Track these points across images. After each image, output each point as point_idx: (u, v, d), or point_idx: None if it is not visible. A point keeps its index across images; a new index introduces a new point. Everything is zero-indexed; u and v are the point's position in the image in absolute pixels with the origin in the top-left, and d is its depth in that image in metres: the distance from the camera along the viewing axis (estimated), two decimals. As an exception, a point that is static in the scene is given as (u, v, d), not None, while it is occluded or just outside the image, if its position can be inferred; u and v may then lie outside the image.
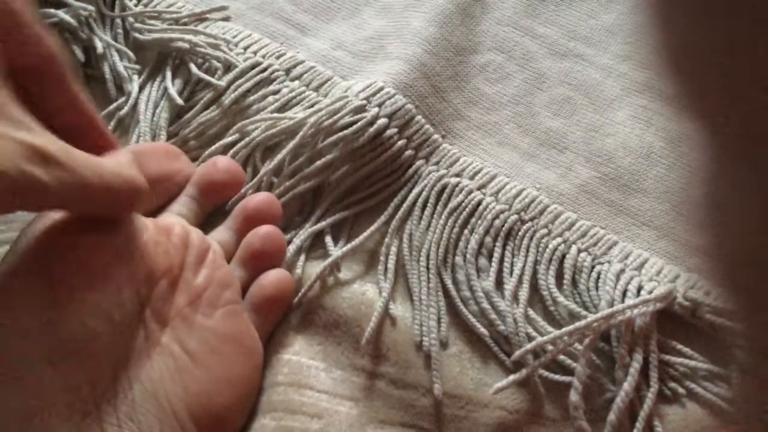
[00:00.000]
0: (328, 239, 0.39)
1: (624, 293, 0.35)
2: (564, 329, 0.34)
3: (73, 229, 0.31)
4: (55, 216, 0.31)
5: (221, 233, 0.38)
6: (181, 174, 0.39)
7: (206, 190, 0.38)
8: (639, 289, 0.35)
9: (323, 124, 0.41)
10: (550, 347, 0.34)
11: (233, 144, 0.42)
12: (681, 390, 0.33)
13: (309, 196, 0.41)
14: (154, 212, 0.38)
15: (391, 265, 0.38)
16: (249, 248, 0.37)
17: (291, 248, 0.39)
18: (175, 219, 0.37)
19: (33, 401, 0.28)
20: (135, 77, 0.45)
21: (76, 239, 0.31)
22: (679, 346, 0.34)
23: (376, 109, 0.41)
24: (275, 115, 0.42)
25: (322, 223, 0.40)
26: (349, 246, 0.39)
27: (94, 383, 0.30)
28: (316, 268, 0.38)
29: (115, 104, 0.44)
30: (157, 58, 0.46)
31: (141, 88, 0.45)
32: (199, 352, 0.33)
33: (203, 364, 0.33)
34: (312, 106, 0.43)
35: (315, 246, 0.40)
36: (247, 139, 0.42)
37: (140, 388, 0.31)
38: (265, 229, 0.37)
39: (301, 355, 0.36)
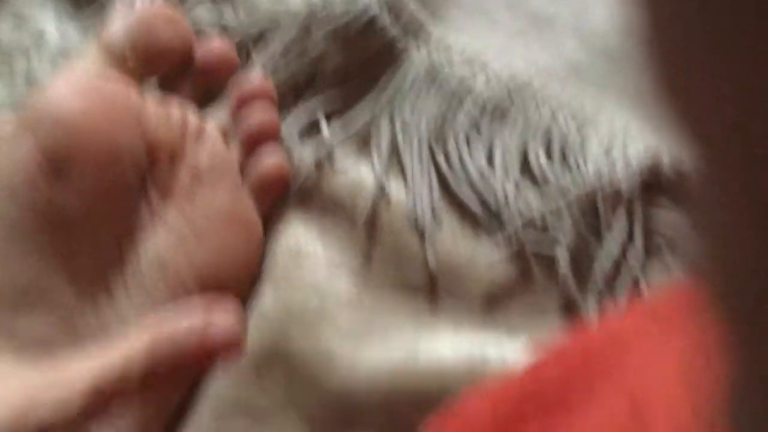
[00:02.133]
0: (322, 124, 0.40)
1: (611, 160, 0.36)
2: (551, 198, 0.35)
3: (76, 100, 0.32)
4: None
5: (217, 114, 0.39)
6: (184, 45, 0.39)
7: (200, 71, 0.39)
8: (625, 155, 0.36)
9: (317, 12, 0.41)
10: (539, 215, 0.35)
11: (226, 30, 0.42)
12: (664, 243, 0.34)
13: (303, 83, 0.41)
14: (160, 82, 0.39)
15: (384, 145, 0.39)
16: (244, 128, 0.38)
17: (285, 132, 0.40)
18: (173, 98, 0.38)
19: (38, 266, 0.30)
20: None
21: (78, 110, 0.32)
22: (664, 209, 0.35)
23: (368, -4, 0.41)
24: (269, 1, 0.43)
25: (316, 108, 0.40)
26: (342, 129, 0.40)
27: (95, 252, 0.31)
28: (310, 151, 0.39)
29: None
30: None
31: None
32: (203, 225, 0.34)
33: (207, 236, 0.34)
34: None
35: (309, 131, 0.41)
36: (241, 26, 0.42)
37: (147, 259, 0.33)
38: (259, 110, 0.38)
39: (299, 236, 0.38)
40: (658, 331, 0.26)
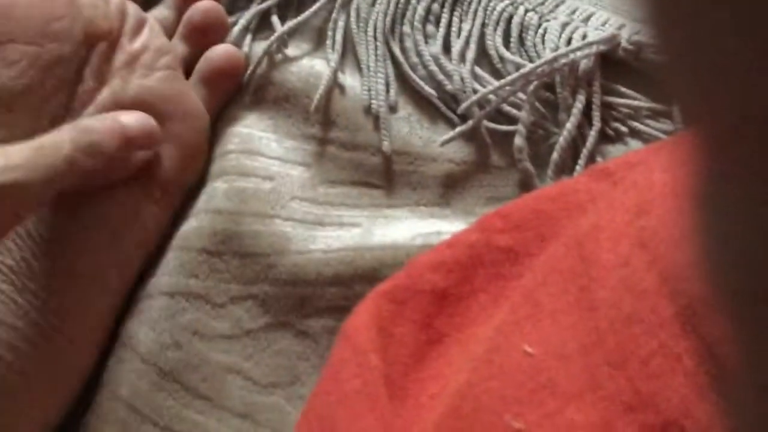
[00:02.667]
0: (275, 18, 0.39)
1: (569, 41, 0.35)
2: (508, 78, 0.34)
3: None
4: None
5: (160, 11, 0.38)
6: None
7: None
8: (584, 37, 0.35)
9: None
10: (494, 98, 0.34)
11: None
12: (623, 128, 0.34)
13: (254, -21, 0.40)
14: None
15: (338, 37, 0.38)
16: (190, 23, 0.37)
17: (236, 28, 0.38)
18: None
19: None
20: None
21: None
22: (623, 89, 0.34)
23: None
24: None
25: (268, 3, 0.39)
26: (295, 21, 0.38)
27: (32, 131, 0.30)
28: (263, 46, 0.38)
29: None
30: None
31: None
32: (132, 106, 0.33)
33: None
34: None
35: (262, 27, 0.39)
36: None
37: None
38: (206, 3, 0.37)
39: (252, 128, 0.37)
40: (609, 189, 0.25)
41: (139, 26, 0.35)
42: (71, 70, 0.33)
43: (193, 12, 0.37)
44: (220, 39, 0.37)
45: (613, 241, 0.21)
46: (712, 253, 0.11)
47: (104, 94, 0.33)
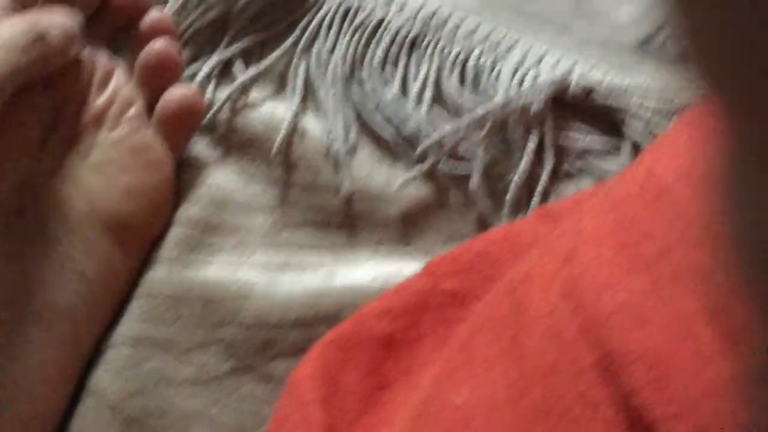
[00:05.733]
0: (237, 65, 0.40)
1: (521, 83, 0.36)
2: (462, 119, 0.35)
3: None
4: None
5: (125, 56, 0.38)
6: None
7: (111, 16, 0.38)
8: (536, 78, 0.36)
9: (225, -47, 0.41)
10: (450, 140, 0.35)
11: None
12: (575, 167, 0.35)
13: (217, 25, 0.41)
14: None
15: (299, 82, 0.39)
16: (145, 64, 0.37)
17: (200, 75, 0.39)
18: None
19: None
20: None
21: None
22: (575, 127, 0.35)
23: (277, -66, 0.41)
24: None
25: (230, 50, 0.40)
26: (257, 68, 0.39)
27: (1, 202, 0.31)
28: (226, 92, 0.39)
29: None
30: None
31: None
32: (101, 164, 0.34)
33: (105, 175, 0.34)
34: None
35: (225, 74, 0.40)
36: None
37: (45, 204, 0.32)
38: (159, 43, 0.37)
39: (217, 175, 0.37)
40: (551, 231, 0.26)
41: (107, 78, 0.36)
42: (35, 140, 0.33)
43: (147, 53, 0.37)
44: (176, 80, 0.38)
45: (543, 289, 0.22)
46: (739, 236, 0.12)
47: (71, 155, 0.34)
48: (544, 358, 0.18)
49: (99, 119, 0.35)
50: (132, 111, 0.36)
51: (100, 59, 0.36)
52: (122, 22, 0.39)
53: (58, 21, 0.33)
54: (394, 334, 0.25)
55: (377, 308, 0.26)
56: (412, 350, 0.24)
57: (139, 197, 0.34)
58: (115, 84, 0.36)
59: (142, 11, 0.39)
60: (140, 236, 0.34)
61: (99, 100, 0.35)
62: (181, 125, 0.37)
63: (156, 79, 0.37)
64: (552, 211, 0.27)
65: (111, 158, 0.34)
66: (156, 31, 0.38)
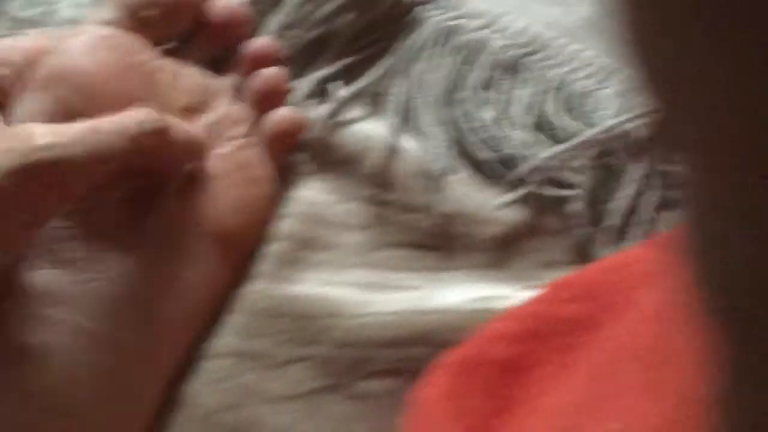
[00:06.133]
0: (335, 84, 0.40)
1: (626, 110, 0.36)
2: (565, 144, 0.35)
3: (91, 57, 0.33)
4: None
5: (232, 77, 0.39)
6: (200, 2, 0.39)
7: (212, 31, 0.39)
8: (638, 106, 0.36)
9: (327, -27, 0.41)
10: (551, 163, 0.35)
11: None
12: (679, 195, 0.34)
13: (315, 45, 0.42)
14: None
15: (397, 102, 0.39)
16: (255, 88, 0.38)
17: (299, 93, 0.40)
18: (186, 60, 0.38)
19: (52, 221, 0.31)
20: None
21: (94, 67, 0.32)
22: (679, 156, 0.34)
23: (379, -44, 0.41)
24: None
25: (329, 69, 0.41)
26: (355, 87, 0.40)
27: (112, 212, 0.32)
28: (325, 110, 0.39)
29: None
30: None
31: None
32: (214, 181, 0.35)
33: (215, 189, 0.35)
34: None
35: (323, 92, 0.41)
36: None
37: (157, 212, 0.34)
38: (269, 70, 0.39)
39: (314, 191, 0.38)
40: (673, 261, 0.25)
41: (213, 96, 0.37)
42: None
43: (257, 78, 0.39)
44: (282, 103, 0.39)
45: (684, 321, 0.21)
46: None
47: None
48: (697, 389, 0.17)
49: (209, 134, 0.36)
50: (239, 129, 0.37)
51: (203, 76, 0.37)
52: (222, 39, 0.40)
53: (182, 128, 0.33)
54: (514, 359, 0.24)
55: (498, 332, 0.26)
56: (531, 375, 0.24)
57: (245, 212, 0.35)
58: (222, 102, 0.37)
59: (242, 29, 0.41)
60: (243, 250, 0.35)
61: (209, 118, 0.36)
62: (284, 144, 0.38)
63: (263, 102, 0.38)
64: (668, 240, 0.26)
65: (220, 174, 0.35)
66: (262, 56, 0.39)
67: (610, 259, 0.29)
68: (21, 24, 0.45)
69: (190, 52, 0.39)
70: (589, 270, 0.27)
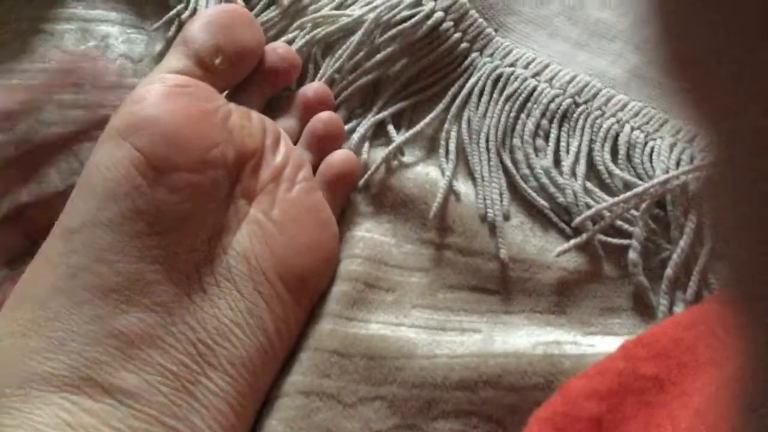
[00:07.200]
0: (390, 127, 0.42)
1: (678, 162, 0.37)
2: (622, 196, 0.36)
3: (172, 105, 0.34)
4: None
5: (287, 121, 0.40)
6: (260, 48, 0.40)
7: (267, 77, 0.40)
8: (692, 158, 0.37)
9: (382, 19, 0.43)
10: (608, 213, 0.37)
11: (293, 41, 0.44)
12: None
13: (370, 89, 0.43)
14: (231, 91, 0.40)
15: (452, 147, 0.41)
16: (313, 132, 0.40)
17: (355, 137, 0.41)
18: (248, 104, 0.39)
19: (139, 264, 0.31)
20: (193, -15, 0.47)
21: (176, 115, 0.33)
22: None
23: (432, 4, 0.43)
24: (334, 12, 0.44)
25: (384, 113, 0.42)
26: (410, 131, 0.41)
27: (191, 252, 0.33)
28: (380, 153, 0.40)
29: (174, 10, 0.46)
30: (213, -33, 0.47)
31: (199, -5, 0.46)
32: (282, 221, 0.36)
33: (286, 231, 0.36)
34: (367, 4, 0.45)
35: (377, 135, 0.42)
36: (307, 37, 0.44)
37: (233, 254, 0.35)
38: (326, 114, 0.40)
39: (373, 232, 0.39)
40: (737, 322, 0.27)
41: (277, 139, 0.38)
42: (224, 192, 0.35)
43: (315, 122, 0.40)
44: (339, 146, 0.40)
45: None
46: None
47: (253, 211, 0.36)
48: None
49: (276, 178, 0.37)
50: (304, 172, 0.38)
51: (268, 122, 0.38)
52: (278, 83, 0.41)
53: None
54: (602, 416, 0.26)
55: (585, 389, 0.27)
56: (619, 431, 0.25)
57: (313, 254, 0.36)
58: (286, 145, 0.38)
59: (297, 73, 0.42)
60: (312, 290, 0.36)
61: (275, 160, 0.37)
62: (343, 186, 0.39)
63: (321, 145, 0.39)
64: (726, 302, 0.28)
65: (291, 217, 0.36)
66: (318, 100, 0.40)
67: (679, 316, 0.30)
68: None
69: (249, 96, 0.40)
70: (662, 327, 0.29)
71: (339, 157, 0.39)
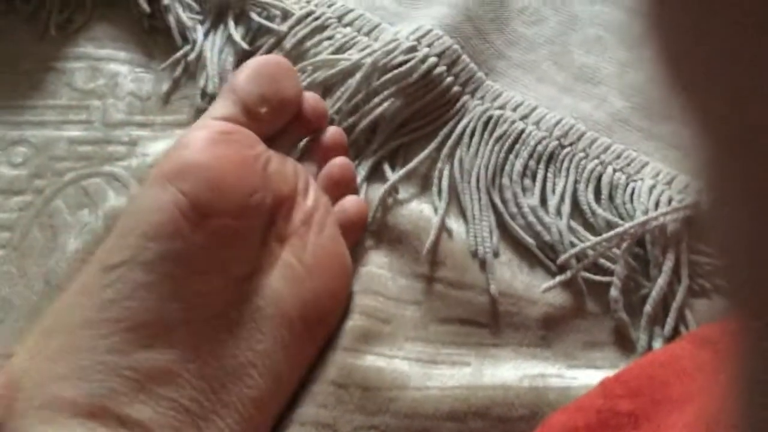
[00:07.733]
0: (386, 166, 0.44)
1: (657, 204, 0.40)
2: (604, 235, 0.39)
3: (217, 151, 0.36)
4: None
5: (309, 166, 0.42)
6: (299, 97, 0.42)
7: (301, 125, 0.42)
8: (670, 200, 0.40)
9: (379, 64, 0.45)
10: (591, 252, 0.39)
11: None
12: (708, 285, 0.38)
13: (367, 132, 0.45)
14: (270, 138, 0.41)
15: (444, 186, 0.43)
16: (330, 176, 0.41)
17: (360, 177, 0.43)
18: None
19: (169, 303, 0.33)
20: (198, 26, 0.49)
21: (220, 161, 0.35)
22: (707, 248, 0.38)
23: (426, 49, 0.45)
24: (333, 56, 0.47)
25: (380, 153, 0.44)
26: (404, 169, 0.43)
27: (221, 292, 0.34)
28: (377, 192, 0.43)
29: (181, 51, 0.48)
30: (218, 9, 0.50)
31: (205, 36, 0.49)
32: (312, 265, 0.37)
33: (315, 276, 0.37)
34: (364, 49, 0.47)
35: (374, 173, 0.44)
36: (309, 79, 0.46)
37: (263, 296, 0.36)
38: (341, 159, 0.41)
39: (371, 267, 0.41)
40: (712, 358, 0.29)
41: (307, 184, 0.39)
42: (260, 236, 0.36)
43: (332, 167, 0.41)
44: (353, 189, 0.42)
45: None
46: None
47: (285, 254, 0.37)
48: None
49: (307, 222, 0.38)
50: (332, 217, 0.39)
51: (299, 166, 0.40)
52: (310, 129, 0.43)
53: None
54: (581, 451, 0.28)
55: (566, 424, 0.29)
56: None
57: (336, 298, 0.38)
58: (315, 190, 0.40)
59: (325, 120, 0.43)
60: (328, 329, 0.38)
61: (306, 204, 0.39)
62: (354, 230, 0.41)
63: (337, 189, 0.41)
64: (708, 338, 0.30)
65: (320, 262, 0.37)
66: (336, 145, 0.42)
67: (654, 354, 0.32)
68: (86, 96, 0.48)
69: (284, 142, 0.41)
70: (639, 364, 0.31)
71: (353, 202, 0.41)
